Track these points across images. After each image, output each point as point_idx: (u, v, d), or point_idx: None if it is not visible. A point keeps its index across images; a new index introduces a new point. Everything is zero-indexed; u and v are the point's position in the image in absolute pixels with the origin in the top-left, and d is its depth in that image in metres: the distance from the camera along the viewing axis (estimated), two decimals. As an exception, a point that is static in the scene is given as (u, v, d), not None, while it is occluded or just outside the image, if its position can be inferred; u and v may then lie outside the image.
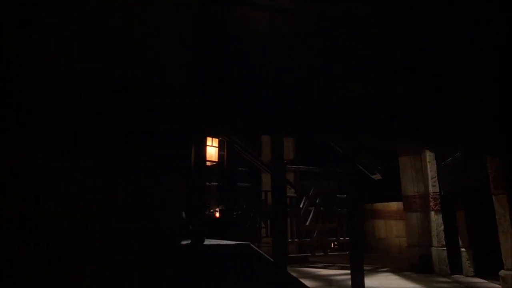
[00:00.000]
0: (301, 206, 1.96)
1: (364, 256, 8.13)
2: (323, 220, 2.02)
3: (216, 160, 3.16)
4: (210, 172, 3.37)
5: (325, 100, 2.18)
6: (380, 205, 9.57)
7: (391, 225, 9.24)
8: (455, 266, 4.82)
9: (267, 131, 2.12)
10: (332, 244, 10.84)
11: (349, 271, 5.70)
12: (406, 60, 2.40)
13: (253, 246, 1.84)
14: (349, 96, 2.23)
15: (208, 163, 3.17)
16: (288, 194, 2.23)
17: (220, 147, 3.29)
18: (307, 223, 2.00)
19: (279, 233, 1.91)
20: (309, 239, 1.94)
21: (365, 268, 5.89)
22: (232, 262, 1.79)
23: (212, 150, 3.16)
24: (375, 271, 5.58)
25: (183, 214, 2.72)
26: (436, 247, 5.02)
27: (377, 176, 2.28)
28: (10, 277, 1.14)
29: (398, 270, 5.45)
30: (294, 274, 5.46)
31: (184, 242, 1.79)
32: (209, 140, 3.17)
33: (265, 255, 1.85)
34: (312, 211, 2.03)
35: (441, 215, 5.04)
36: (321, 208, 1.95)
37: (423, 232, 5.28)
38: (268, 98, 2.05)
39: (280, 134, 2.23)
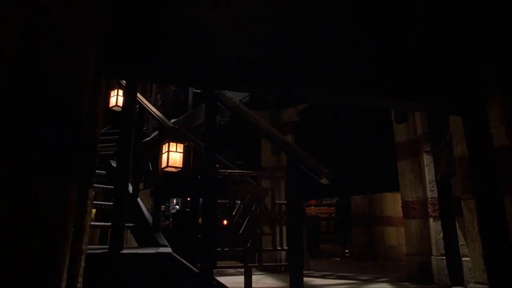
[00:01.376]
0: (233, 213, 1.84)
1: (370, 265, 7.87)
2: (259, 227, 1.88)
3: (181, 166, 3.08)
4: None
5: (284, 56, 2.02)
6: (391, 212, 9.20)
7: (403, 232, 8.84)
8: (456, 276, 4.50)
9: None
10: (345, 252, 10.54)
11: (348, 281, 5.49)
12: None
13: (174, 255, 1.73)
14: (312, 53, 2.07)
15: (172, 169, 3.10)
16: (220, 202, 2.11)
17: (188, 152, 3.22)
18: (241, 231, 1.87)
19: (207, 241, 1.79)
20: (241, 248, 1.82)
21: (363, 278, 5.66)
22: (150, 271, 1.70)
23: (176, 156, 3.09)
24: (372, 281, 5.31)
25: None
26: (435, 256, 4.71)
27: (325, 181, 2.13)
28: None
29: (398, 280, 5.16)
30: (285, 284, 5.28)
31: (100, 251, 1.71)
32: (173, 146, 3.10)
33: (189, 265, 1.74)
34: (247, 218, 1.91)
35: (440, 222, 4.74)
36: (257, 214, 1.83)
37: (422, 240, 4.98)
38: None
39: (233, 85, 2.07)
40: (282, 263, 6.68)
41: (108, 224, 1.86)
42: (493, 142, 2.10)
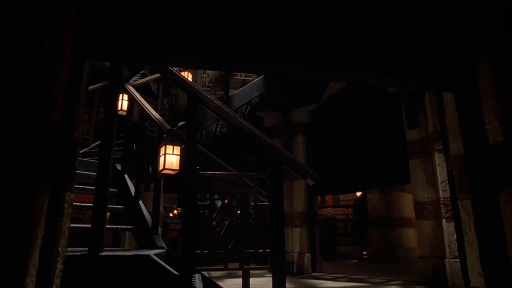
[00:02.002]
0: (213, 216, 1.81)
1: (386, 268, 7.64)
2: (241, 230, 1.83)
3: (177, 168, 3.09)
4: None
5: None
6: (409, 213, 8.92)
7: (422, 233, 8.55)
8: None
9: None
10: (364, 253, 10.30)
11: (359, 284, 5.35)
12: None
13: (153, 257, 1.73)
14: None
15: (169, 172, 3.11)
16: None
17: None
18: (221, 234, 1.84)
19: (186, 243, 1.78)
20: (222, 251, 1.78)
21: (375, 280, 5.51)
22: (127, 273, 1.70)
23: (173, 158, 3.10)
24: (384, 283, 5.15)
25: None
26: (449, 258, 4.52)
27: (310, 182, 2.06)
28: None
29: (410, 283, 4.99)
30: (293, 286, 5.20)
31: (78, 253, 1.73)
32: (169, 148, 3.12)
33: (168, 268, 1.74)
34: (229, 220, 1.87)
35: (453, 223, 4.53)
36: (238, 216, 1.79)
37: (435, 242, 4.80)
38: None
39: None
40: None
41: (88, 226, 1.89)
42: (488, 138, 2.00)
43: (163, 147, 3.14)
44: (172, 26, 1.89)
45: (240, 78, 6.66)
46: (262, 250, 1.87)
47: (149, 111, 3.59)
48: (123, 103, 4.42)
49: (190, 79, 6.27)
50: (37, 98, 1.36)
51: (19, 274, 1.28)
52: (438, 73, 2.05)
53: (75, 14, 1.65)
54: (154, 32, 1.87)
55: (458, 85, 2.02)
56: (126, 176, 3.93)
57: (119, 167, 4.06)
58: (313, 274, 6.53)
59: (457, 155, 2.20)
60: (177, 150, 3.15)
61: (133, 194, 3.60)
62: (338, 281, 5.60)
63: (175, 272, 1.73)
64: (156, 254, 1.91)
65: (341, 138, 6.92)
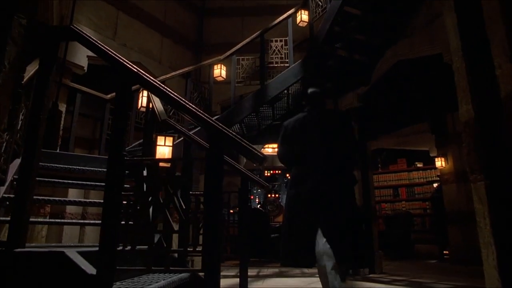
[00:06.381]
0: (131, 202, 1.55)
1: (465, 271, 6.59)
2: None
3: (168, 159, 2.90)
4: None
5: None
6: (499, 206, 7.51)
7: (517, 231, 7.11)
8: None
9: None
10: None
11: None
12: None
13: (67, 254, 1.54)
14: None
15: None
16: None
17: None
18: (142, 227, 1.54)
19: (106, 240, 1.56)
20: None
21: (438, 286, 4.65)
22: (43, 271, 1.55)
23: (165, 150, 2.93)
24: (447, 290, 4.32)
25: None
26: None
27: (257, 165, 1.65)
28: None
29: (481, 291, 4.08)
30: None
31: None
32: (161, 139, 2.95)
33: (82, 266, 1.53)
34: (151, 210, 1.58)
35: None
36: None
37: None
38: None
39: None
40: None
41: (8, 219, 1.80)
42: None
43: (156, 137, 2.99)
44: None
45: (279, 65, 6.27)
46: (192, 249, 1.55)
47: (153, 101, 3.48)
48: (143, 99, 4.43)
49: (224, 72, 6.11)
50: None
51: None
52: None
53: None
54: None
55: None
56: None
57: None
58: (370, 275, 5.85)
59: (467, 120, 1.59)
60: (169, 141, 2.98)
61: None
62: (393, 285, 4.89)
63: (91, 272, 1.52)
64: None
65: (394, 116, 6.29)
